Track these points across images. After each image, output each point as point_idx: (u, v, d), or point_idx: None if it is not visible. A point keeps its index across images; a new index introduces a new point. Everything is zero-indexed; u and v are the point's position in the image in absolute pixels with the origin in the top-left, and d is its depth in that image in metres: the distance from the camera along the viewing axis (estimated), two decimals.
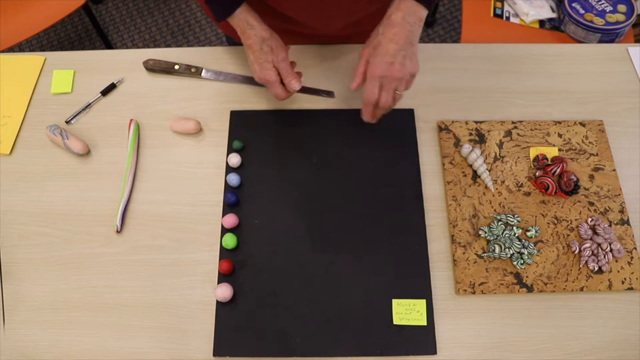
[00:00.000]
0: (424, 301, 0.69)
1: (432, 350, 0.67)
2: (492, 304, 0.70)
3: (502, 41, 0.91)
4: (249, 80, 0.86)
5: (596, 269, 0.71)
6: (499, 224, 0.73)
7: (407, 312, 0.68)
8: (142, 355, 0.68)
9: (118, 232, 0.75)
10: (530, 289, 0.70)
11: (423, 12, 0.67)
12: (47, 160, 0.81)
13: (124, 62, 0.89)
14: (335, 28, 0.81)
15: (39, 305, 0.71)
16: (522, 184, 0.77)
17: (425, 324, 0.68)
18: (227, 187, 0.77)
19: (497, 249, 0.72)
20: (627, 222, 0.74)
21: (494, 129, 0.81)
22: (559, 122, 0.82)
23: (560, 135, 0.81)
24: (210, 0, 0.71)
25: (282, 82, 0.75)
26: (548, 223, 0.74)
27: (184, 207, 0.77)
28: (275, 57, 0.72)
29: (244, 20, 0.71)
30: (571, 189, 0.75)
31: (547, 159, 0.78)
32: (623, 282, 0.70)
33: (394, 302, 0.69)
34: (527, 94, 0.86)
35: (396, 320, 0.68)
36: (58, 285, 0.72)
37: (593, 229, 0.74)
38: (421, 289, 0.70)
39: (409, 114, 0.83)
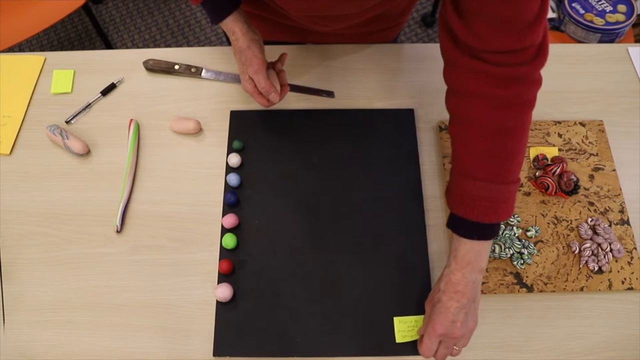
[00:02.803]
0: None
1: None
2: (492, 304, 0.70)
3: None
4: None
5: (596, 269, 0.71)
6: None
7: (409, 329, 0.68)
8: (142, 355, 0.68)
9: (118, 232, 0.75)
10: (530, 289, 0.70)
11: (483, 263, 0.63)
12: (47, 160, 0.81)
13: (124, 62, 0.89)
14: (334, 29, 0.81)
15: (39, 305, 0.71)
16: (522, 183, 0.77)
17: None
18: (227, 187, 0.77)
19: (497, 249, 0.71)
20: (627, 222, 0.74)
21: None
22: (559, 122, 0.82)
23: (560, 135, 0.81)
24: (204, 5, 0.72)
25: None
26: (548, 223, 0.74)
27: (184, 207, 0.76)
28: (248, 69, 0.72)
29: (230, 29, 0.72)
30: (571, 189, 0.75)
31: (547, 159, 0.78)
32: (623, 282, 0.70)
33: (396, 320, 0.68)
34: None
35: (399, 339, 0.67)
36: (58, 285, 0.72)
37: (593, 229, 0.74)
38: (422, 298, 0.67)
39: (409, 113, 0.83)
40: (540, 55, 0.56)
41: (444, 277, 0.64)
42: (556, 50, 0.90)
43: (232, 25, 0.72)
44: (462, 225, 0.62)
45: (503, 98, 0.58)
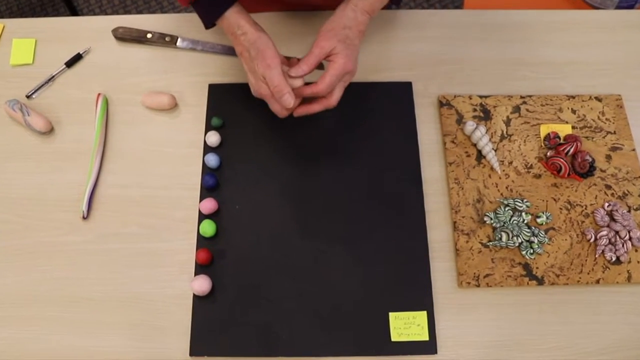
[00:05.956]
0: (424, 313, 0.65)
1: (432, 350, 0.64)
2: (499, 297, 0.68)
3: (509, 7, 0.88)
4: (230, 51, 0.82)
5: (614, 259, 0.68)
6: (506, 209, 0.70)
7: (405, 326, 0.65)
8: (111, 355, 0.65)
9: (84, 218, 0.72)
10: (540, 282, 0.67)
11: (377, 12, 0.69)
12: (6, 139, 0.78)
13: (91, 30, 0.86)
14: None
15: None
16: (531, 165, 0.74)
17: (427, 338, 0.64)
18: (205, 169, 0.75)
19: (504, 237, 0.69)
20: None
21: (501, 104, 0.78)
22: (573, 97, 0.79)
23: (573, 111, 0.78)
24: (196, 5, 0.67)
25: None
26: (560, 208, 0.71)
27: (157, 191, 0.74)
28: (259, 64, 0.64)
29: (235, 24, 0.66)
30: (586, 171, 0.73)
31: (559, 137, 0.75)
32: None
33: (391, 315, 0.66)
34: (538, 65, 0.83)
35: (394, 337, 0.65)
36: (18, 277, 0.70)
37: (610, 215, 0.71)
38: (421, 292, 0.66)
39: (406, 87, 0.80)
40: None
41: (350, 15, 0.67)
42: (570, 17, 0.88)
43: (236, 18, 0.65)
44: None
45: None
